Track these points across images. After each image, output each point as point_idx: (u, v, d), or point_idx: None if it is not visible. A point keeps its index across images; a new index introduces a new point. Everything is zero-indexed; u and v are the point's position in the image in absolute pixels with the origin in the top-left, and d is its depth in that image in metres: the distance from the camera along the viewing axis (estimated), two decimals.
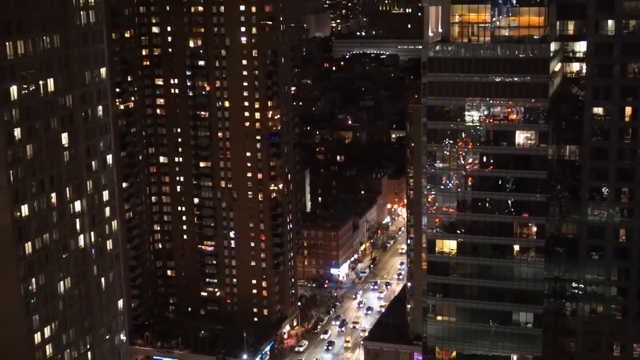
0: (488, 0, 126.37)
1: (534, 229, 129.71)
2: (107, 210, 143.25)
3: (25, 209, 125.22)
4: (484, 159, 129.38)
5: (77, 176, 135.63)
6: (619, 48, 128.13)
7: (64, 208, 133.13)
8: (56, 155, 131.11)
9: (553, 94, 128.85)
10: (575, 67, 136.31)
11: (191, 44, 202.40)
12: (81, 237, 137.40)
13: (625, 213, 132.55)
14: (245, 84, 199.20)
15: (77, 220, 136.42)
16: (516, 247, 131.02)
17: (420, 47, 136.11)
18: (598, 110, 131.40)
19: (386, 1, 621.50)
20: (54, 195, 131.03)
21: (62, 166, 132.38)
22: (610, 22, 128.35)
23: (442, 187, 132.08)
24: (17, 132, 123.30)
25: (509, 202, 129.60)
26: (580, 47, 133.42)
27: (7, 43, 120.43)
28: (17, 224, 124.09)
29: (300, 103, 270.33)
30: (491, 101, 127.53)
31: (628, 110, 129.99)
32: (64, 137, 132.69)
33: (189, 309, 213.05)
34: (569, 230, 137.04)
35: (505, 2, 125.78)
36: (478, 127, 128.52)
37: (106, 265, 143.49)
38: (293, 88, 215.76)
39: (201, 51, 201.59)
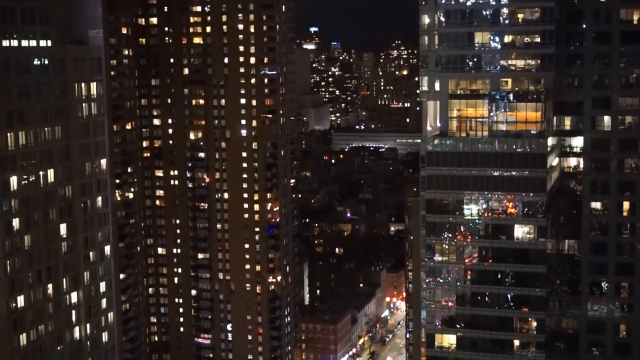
0: (485, 96, 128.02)
1: (534, 323, 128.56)
2: (104, 302, 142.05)
3: (21, 300, 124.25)
4: (483, 252, 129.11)
5: (75, 267, 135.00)
6: (615, 143, 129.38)
7: (60, 299, 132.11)
8: (54, 246, 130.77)
9: (551, 188, 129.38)
10: (572, 161, 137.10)
11: (192, 136, 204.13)
12: (77, 329, 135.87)
13: (625, 308, 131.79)
14: (245, 175, 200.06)
15: (73, 312, 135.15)
16: (516, 342, 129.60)
17: (419, 140, 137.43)
18: (596, 205, 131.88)
19: (385, 95, 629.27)
20: (50, 286, 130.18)
21: (60, 257, 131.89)
22: (606, 118, 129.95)
23: (441, 280, 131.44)
24: (16, 222, 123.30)
25: (509, 296, 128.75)
26: (578, 142, 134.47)
27: (8, 134, 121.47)
28: (13, 315, 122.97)
29: (300, 195, 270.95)
30: (490, 195, 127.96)
31: (626, 205, 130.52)
32: (63, 228, 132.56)
33: None
34: (569, 325, 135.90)
35: (503, 97, 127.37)
36: (477, 221, 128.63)
37: (101, 357, 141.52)
38: (292, 180, 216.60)
39: (201, 143, 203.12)
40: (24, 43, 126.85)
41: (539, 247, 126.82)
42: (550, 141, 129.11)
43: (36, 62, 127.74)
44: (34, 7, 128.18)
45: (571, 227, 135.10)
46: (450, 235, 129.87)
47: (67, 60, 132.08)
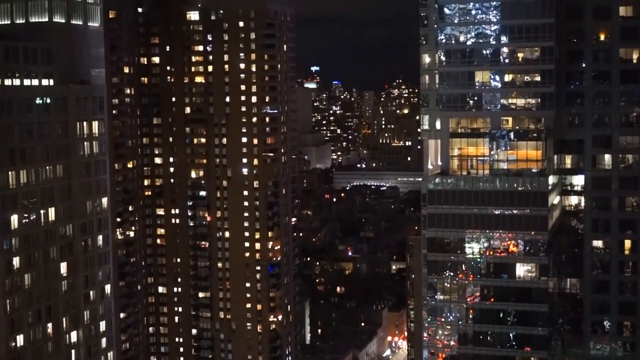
0: (486, 134, 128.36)
1: None
2: (104, 341, 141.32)
3: (20, 339, 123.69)
4: (485, 291, 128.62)
5: (75, 306, 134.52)
6: (616, 182, 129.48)
7: (60, 338, 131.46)
8: (54, 284, 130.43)
9: (552, 226, 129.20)
10: (574, 200, 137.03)
11: (193, 175, 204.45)
12: None
13: (627, 347, 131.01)
14: (246, 214, 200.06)
15: (73, 351, 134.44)
16: None
17: (420, 179, 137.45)
18: (598, 243, 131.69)
19: (386, 134, 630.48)
20: (50, 325, 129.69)
21: (60, 296, 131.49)
22: (607, 157, 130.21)
23: (443, 319, 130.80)
24: (16, 261, 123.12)
25: (511, 335, 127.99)
26: (579, 180, 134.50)
27: (10, 172, 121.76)
28: (12, 354, 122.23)
29: (301, 234, 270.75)
30: (491, 233, 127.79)
31: (627, 243, 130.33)
32: (63, 267, 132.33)
33: None
34: None
35: (503, 136, 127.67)
36: (478, 259, 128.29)
37: None
38: (294, 219, 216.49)
39: (203, 182, 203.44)
40: (27, 82, 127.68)
41: (541, 286, 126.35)
42: (552, 179, 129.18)
43: (38, 101, 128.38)
44: (37, 47, 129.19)
45: (573, 266, 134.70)
46: (451, 273, 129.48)
47: (69, 99, 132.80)
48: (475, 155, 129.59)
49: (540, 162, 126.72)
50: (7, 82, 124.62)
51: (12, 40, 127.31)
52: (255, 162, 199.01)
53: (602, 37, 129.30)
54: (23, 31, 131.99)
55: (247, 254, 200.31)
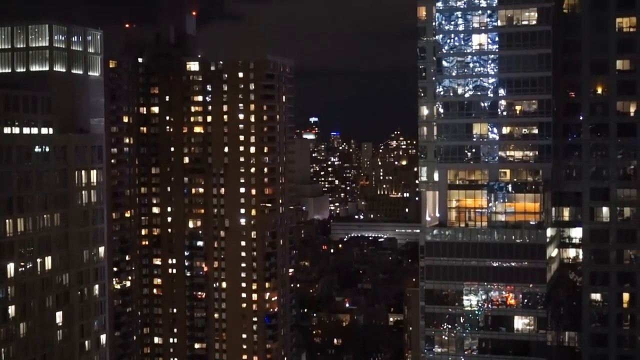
0: (484, 186, 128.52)
1: None
2: None
3: None
4: (483, 344, 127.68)
5: (70, 356, 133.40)
6: (614, 235, 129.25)
7: None
8: (49, 334, 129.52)
9: (551, 279, 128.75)
10: (572, 252, 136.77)
11: (191, 225, 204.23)
12: None
13: None
14: (243, 265, 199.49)
15: None
16: None
17: (418, 230, 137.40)
18: (596, 296, 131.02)
19: (384, 185, 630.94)
20: None
21: (55, 345, 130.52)
22: (605, 209, 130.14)
23: None
24: (12, 309, 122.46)
25: None
26: (577, 233, 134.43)
27: (7, 220, 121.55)
28: None
29: (298, 285, 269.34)
30: (489, 286, 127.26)
31: (626, 296, 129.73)
32: (59, 316, 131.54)
33: None
34: None
35: (501, 188, 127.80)
36: (476, 312, 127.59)
37: None
38: (291, 270, 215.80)
39: (200, 232, 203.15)
40: (26, 130, 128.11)
41: (539, 339, 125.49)
42: (550, 232, 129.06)
43: (37, 149, 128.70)
44: (37, 95, 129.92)
45: (571, 319, 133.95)
46: (449, 326, 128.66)
47: (68, 147, 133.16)
48: (473, 207, 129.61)
49: (538, 215, 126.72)
50: (7, 130, 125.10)
51: (12, 89, 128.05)
52: (253, 212, 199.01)
53: (599, 90, 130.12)
54: (23, 79, 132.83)
55: (244, 305, 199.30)
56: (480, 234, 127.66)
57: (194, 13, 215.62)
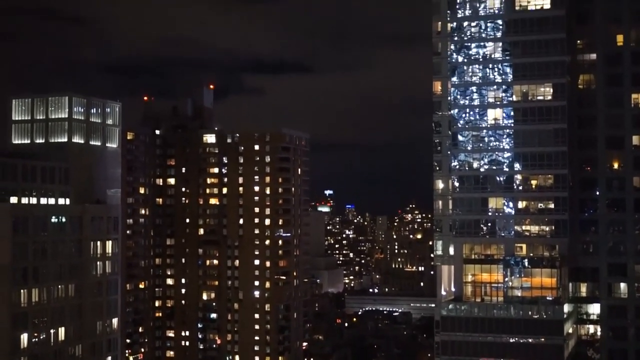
0: (500, 261, 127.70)
1: None
2: None
3: None
4: None
5: None
6: (632, 311, 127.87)
7: None
8: None
9: (568, 356, 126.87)
10: (589, 329, 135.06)
11: (204, 297, 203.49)
12: None
13: None
14: (256, 338, 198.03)
15: None
16: None
17: (433, 305, 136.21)
18: None
19: (399, 259, 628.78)
20: None
21: None
22: (622, 285, 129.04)
23: None
24: None
25: None
26: (594, 309, 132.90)
27: (22, 290, 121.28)
28: None
29: (312, 359, 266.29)
30: None
31: None
32: None
33: None
34: None
35: (517, 263, 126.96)
36: None
37: None
38: (305, 343, 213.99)
39: (214, 304, 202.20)
40: (43, 200, 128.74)
41: None
42: (567, 308, 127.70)
43: (54, 219, 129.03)
44: (55, 166, 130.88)
45: None
46: None
47: (84, 218, 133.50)
48: (489, 282, 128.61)
49: (555, 290, 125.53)
50: (24, 200, 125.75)
51: (31, 159, 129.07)
52: (267, 285, 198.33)
53: (616, 165, 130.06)
54: (42, 150, 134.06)
55: None
56: (497, 309, 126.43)
57: (211, 86, 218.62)
